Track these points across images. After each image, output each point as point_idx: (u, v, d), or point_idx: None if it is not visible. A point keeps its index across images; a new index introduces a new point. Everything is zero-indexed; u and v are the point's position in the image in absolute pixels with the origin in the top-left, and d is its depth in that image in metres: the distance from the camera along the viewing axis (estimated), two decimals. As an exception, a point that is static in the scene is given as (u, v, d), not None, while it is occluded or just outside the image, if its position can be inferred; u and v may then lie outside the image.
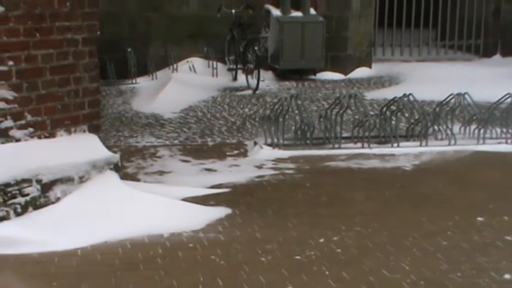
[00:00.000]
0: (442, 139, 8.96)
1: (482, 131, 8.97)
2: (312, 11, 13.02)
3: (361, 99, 10.52)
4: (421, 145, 8.81)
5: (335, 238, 5.99)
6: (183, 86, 11.48)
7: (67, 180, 6.19)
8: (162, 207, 6.42)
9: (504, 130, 9.06)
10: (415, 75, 12.89)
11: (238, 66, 12.30)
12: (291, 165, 8.14)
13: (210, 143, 9.13)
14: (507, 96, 9.23)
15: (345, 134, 8.90)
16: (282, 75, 12.77)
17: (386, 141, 8.85)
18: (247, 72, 11.99)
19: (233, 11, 12.39)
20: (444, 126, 9.03)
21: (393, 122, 9.00)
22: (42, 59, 6.17)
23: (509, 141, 8.96)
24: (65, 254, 5.62)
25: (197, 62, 12.57)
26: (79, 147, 6.37)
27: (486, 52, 14.99)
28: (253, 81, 11.79)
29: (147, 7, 12.61)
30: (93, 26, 6.50)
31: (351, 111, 9.17)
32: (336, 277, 5.22)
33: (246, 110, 10.70)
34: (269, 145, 8.71)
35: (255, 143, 8.83)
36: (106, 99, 10.76)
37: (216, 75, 12.40)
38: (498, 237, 6.05)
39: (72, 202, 6.14)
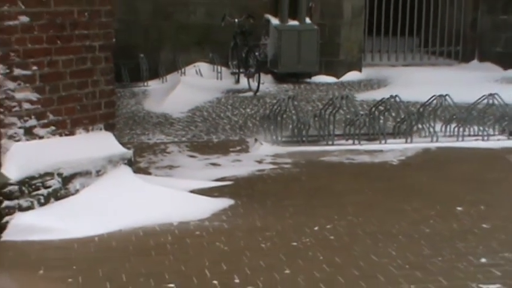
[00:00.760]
0: (425, 136, 8.96)
1: (461, 129, 8.97)
2: (307, 20, 13.02)
3: (352, 100, 10.53)
4: (406, 142, 8.81)
5: (328, 226, 5.99)
6: (191, 88, 11.48)
7: (85, 173, 6.20)
8: (172, 198, 6.43)
9: (481, 128, 9.05)
10: (401, 79, 12.89)
11: (241, 70, 12.30)
12: (289, 160, 8.14)
13: (215, 140, 9.13)
14: (483, 97, 9.24)
15: (337, 132, 8.90)
16: (280, 78, 12.76)
17: (375, 138, 8.85)
18: (249, 75, 11.99)
19: (236, 20, 12.38)
20: (427, 125, 9.04)
21: (381, 121, 9.00)
22: (63, 64, 6.16)
23: (485, 138, 8.96)
24: (83, 241, 5.64)
25: (203, 66, 12.57)
26: (96, 144, 6.37)
27: (464, 58, 14.99)
28: (254, 84, 11.79)
29: (158, 17, 12.61)
30: (109, 34, 6.49)
31: (343, 111, 9.18)
32: (329, 262, 5.22)
33: (248, 110, 10.70)
34: (268, 142, 8.71)
35: (256, 140, 8.83)
36: (120, 100, 10.76)
37: (221, 79, 12.39)
38: (475, 225, 6.06)
39: (90, 194, 6.15)
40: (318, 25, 12.98)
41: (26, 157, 5.85)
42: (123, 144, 6.76)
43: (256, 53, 11.98)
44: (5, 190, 5.71)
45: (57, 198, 6.01)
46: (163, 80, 12.29)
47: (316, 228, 5.94)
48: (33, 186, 5.85)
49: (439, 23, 14.91)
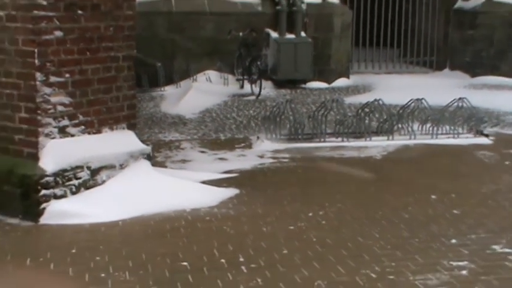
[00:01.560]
0: (404, 134, 8.94)
1: (435, 128, 8.96)
2: (303, 34, 13.00)
3: (341, 103, 10.55)
4: (388, 139, 8.80)
5: (321, 212, 6.01)
6: (201, 93, 11.47)
7: (110, 166, 6.21)
8: (185, 188, 6.43)
9: (452, 127, 9.05)
10: (383, 84, 12.88)
11: (245, 77, 12.27)
12: (286, 155, 8.13)
13: (222, 138, 9.12)
14: (454, 101, 9.25)
15: (328, 131, 8.88)
16: (279, 84, 12.75)
17: (361, 136, 8.84)
18: (252, 81, 11.97)
19: (240, 33, 12.36)
20: (406, 125, 9.02)
21: (366, 121, 8.99)
22: (91, 72, 6.16)
23: (455, 136, 8.96)
24: (109, 225, 5.66)
25: (212, 74, 12.54)
26: (119, 141, 6.37)
27: (438, 67, 14.98)
28: (256, 89, 11.77)
29: (173, 31, 12.59)
30: (131, 46, 6.49)
31: (334, 112, 9.17)
32: (321, 243, 5.24)
33: (251, 111, 10.70)
34: (269, 139, 8.70)
35: (258, 138, 8.82)
36: (140, 103, 10.76)
37: (227, 84, 12.38)
38: (447, 211, 6.08)
39: (114, 184, 6.16)
40: (312, 38, 12.97)
41: (60, 152, 5.87)
42: (143, 141, 6.76)
43: (258, 62, 11.96)
44: (42, 181, 5.73)
45: (87, 188, 6.03)
46: (178, 85, 12.28)
47: (310, 214, 5.96)
48: (66, 178, 5.88)
49: (416, 37, 14.93)
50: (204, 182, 6.75)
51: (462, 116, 9.24)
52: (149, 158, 6.58)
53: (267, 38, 12.93)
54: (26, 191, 5.75)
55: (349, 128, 8.87)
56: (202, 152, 8.32)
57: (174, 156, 8.05)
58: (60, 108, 5.93)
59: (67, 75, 5.96)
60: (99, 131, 6.28)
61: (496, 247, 5.17)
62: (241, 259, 4.91)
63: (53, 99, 5.87)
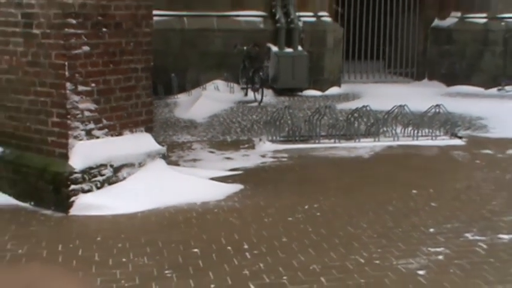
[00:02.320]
0: (389, 137, 8.95)
1: (416, 131, 8.97)
2: (299, 48, 13.01)
3: (334, 109, 10.55)
4: (374, 141, 8.80)
5: (316, 205, 6.00)
6: (210, 100, 11.48)
7: (130, 165, 6.22)
8: (196, 184, 6.44)
9: (430, 130, 9.05)
10: (370, 93, 12.89)
11: (248, 86, 12.28)
12: (285, 155, 8.14)
13: (229, 139, 9.12)
14: (432, 107, 9.25)
15: (322, 133, 8.89)
16: (279, 92, 12.76)
17: (351, 138, 8.84)
18: (255, 90, 11.98)
19: (245, 48, 12.38)
20: (390, 128, 9.04)
21: (356, 125, 9.00)
22: (114, 82, 6.18)
23: (434, 138, 8.96)
24: (129, 216, 5.67)
25: (220, 83, 12.56)
26: (138, 142, 6.38)
27: (418, 77, 15.00)
28: (258, 96, 11.78)
29: (185, 46, 12.61)
30: (149, 59, 6.50)
31: (327, 117, 9.18)
32: (316, 232, 5.25)
33: (254, 116, 10.71)
34: (270, 141, 8.72)
35: (260, 139, 8.83)
36: (157, 109, 10.77)
37: (233, 93, 12.40)
38: (426, 204, 6.08)
39: (134, 180, 6.17)
40: (308, 52, 12.98)
41: (87, 152, 5.89)
42: (159, 143, 6.76)
43: (261, 73, 11.98)
44: (71, 177, 5.76)
45: (110, 184, 6.04)
46: (189, 93, 12.29)
47: (306, 206, 5.96)
48: (92, 174, 5.90)
49: (399, 51, 14.95)
50: (212, 179, 6.75)
51: (439, 120, 9.24)
52: (164, 157, 6.59)
53: (268, 52, 12.94)
54: (58, 186, 5.78)
55: (341, 130, 8.87)
56: (211, 152, 8.34)
57: (186, 156, 8.06)
58: (87, 113, 5.95)
59: (93, 84, 5.98)
60: (120, 134, 6.29)
61: (468, 235, 5.18)
62: (246, 246, 4.91)
63: (81, 106, 5.89)
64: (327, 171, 7.43)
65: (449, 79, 14.21)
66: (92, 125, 6.01)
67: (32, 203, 5.92)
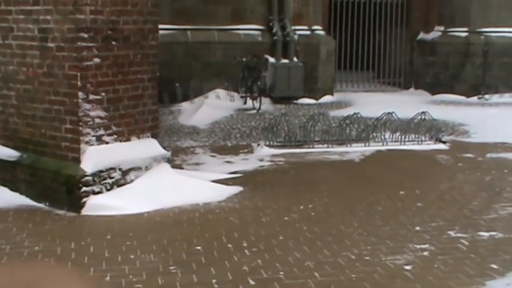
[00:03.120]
0: (378, 142, 8.95)
1: (403, 136, 8.98)
2: (295, 59, 13.02)
3: (327, 116, 10.57)
4: (365, 145, 8.81)
5: (310, 206, 6.01)
6: (212, 107, 11.47)
7: (138, 168, 6.22)
8: (198, 186, 6.43)
9: (416, 136, 9.06)
10: (361, 101, 12.88)
11: (247, 94, 12.27)
12: (282, 159, 8.14)
13: (229, 144, 9.12)
14: (418, 114, 9.26)
15: (316, 138, 8.90)
16: (276, 100, 12.74)
17: (343, 143, 8.86)
18: (253, 98, 11.97)
19: (244, 59, 12.37)
20: (379, 133, 9.05)
21: (347, 131, 9.01)
22: (122, 91, 6.18)
23: (419, 143, 8.97)
24: (136, 216, 5.67)
25: (221, 92, 12.55)
26: (145, 147, 6.38)
27: (405, 86, 14.99)
28: (257, 104, 11.77)
29: (188, 57, 12.61)
30: (155, 69, 6.50)
31: (320, 123, 9.20)
32: (310, 231, 5.25)
33: (252, 123, 10.71)
34: (267, 146, 8.72)
35: (258, 144, 8.84)
36: (162, 116, 10.77)
37: (233, 101, 12.39)
38: (413, 204, 6.10)
39: (141, 182, 6.16)
40: (303, 63, 12.97)
41: (97, 157, 5.89)
42: (164, 148, 6.75)
43: (259, 82, 11.97)
44: (83, 180, 5.77)
45: (118, 186, 6.04)
46: (192, 102, 12.28)
47: (301, 207, 5.96)
48: (102, 177, 5.89)
49: (388, 62, 14.96)
50: (214, 181, 6.75)
51: (425, 126, 9.25)
52: (169, 161, 6.58)
53: (265, 63, 12.94)
54: (70, 188, 5.78)
55: (333, 136, 8.88)
56: (213, 156, 8.33)
57: (189, 160, 8.06)
58: (97, 120, 5.96)
59: (103, 93, 5.99)
60: (128, 139, 6.30)
61: (451, 232, 5.20)
62: (245, 244, 4.92)
63: (92, 114, 5.90)
64: (320, 174, 7.42)
65: (434, 88, 14.23)
66: (102, 131, 6.01)
67: (47, 204, 5.93)
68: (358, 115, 9.16)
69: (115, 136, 6.15)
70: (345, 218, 5.62)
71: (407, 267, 4.45)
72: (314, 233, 5.21)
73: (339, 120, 9.64)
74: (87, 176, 5.77)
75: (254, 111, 11.71)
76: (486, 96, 13.60)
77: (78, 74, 5.76)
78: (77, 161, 5.84)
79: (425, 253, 4.73)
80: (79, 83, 5.77)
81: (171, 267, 4.44)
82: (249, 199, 6.25)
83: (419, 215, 5.72)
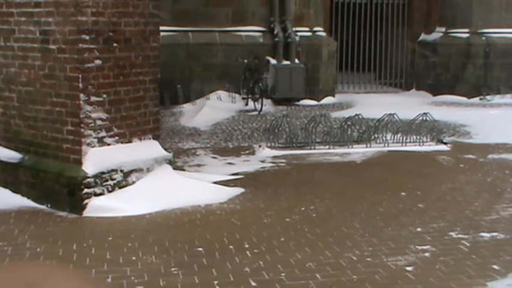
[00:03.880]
0: (379, 143, 8.95)
1: (404, 137, 8.99)
2: (296, 61, 13.03)
3: (328, 117, 10.56)
4: (366, 147, 8.80)
5: (312, 207, 6.01)
6: (213, 109, 11.49)
7: (139, 170, 6.21)
8: (200, 187, 6.42)
9: (418, 137, 9.06)
10: (362, 102, 12.90)
11: (249, 96, 12.29)
12: (283, 160, 8.14)
13: (231, 146, 9.11)
14: (419, 115, 9.26)
15: (318, 140, 8.90)
16: (277, 101, 12.77)
17: (344, 144, 8.86)
18: (255, 100, 11.99)
19: (245, 60, 12.40)
20: (381, 135, 9.05)
21: (349, 132, 9.02)
22: (123, 93, 6.18)
23: (421, 144, 8.97)
24: (138, 217, 5.67)
25: (222, 93, 12.57)
26: (146, 149, 6.38)
27: (406, 87, 15.02)
28: (258, 106, 11.78)
29: (190, 59, 12.64)
30: (156, 71, 6.50)
31: (322, 125, 9.20)
32: (312, 232, 5.25)
33: (254, 124, 10.72)
34: (269, 147, 8.72)
35: (260, 146, 8.84)
36: (163, 118, 10.78)
37: (234, 102, 12.40)
38: (414, 205, 6.09)
39: (142, 184, 6.16)
40: (304, 64, 13.00)
41: (99, 158, 5.89)
42: (166, 149, 6.75)
43: (260, 84, 11.99)
44: (85, 181, 5.77)
45: (120, 187, 6.03)
46: (194, 103, 12.30)
47: (302, 208, 5.96)
48: (104, 179, 5.89)
49: (389, 63, 14.98)
50: (215, 183, 6.74)
51: (426, 127, 9.25)
52: (170, 162, 6.58)
53: (267, 64, 12.97)
54: (72, 190, 5.78)
55: (335, 137, 8.88)
56: (214, 157, 8.33)
57: (191, 161, 8.06)
58: (99, 122, 5.96)
59: (104, 95, 5.99)
60: (130, 141, 6.30)
61: (452, 234, 5.20)
62: (246, 245, 4.92)
63: (93, 115, 5.90)
64: (322, 175, 7.42)
65: (435, 89, 14.24)
66: (103, 133, 6.01)
67: (49, 205, 5.93)
68: (360, 116, 9.16)
69: (116, 138, 6.15)
70: (347, 219, 5.61)
71: (409, 268, 4.45)
72: (315, 234, 5.20)
73: (340, 122, 9.64)
74: (88, 177, 5.78)
75: (255, 112, 11.73)
76: (487, 97, 13.60)
77: (80, 75, 5.77)
78: (79, 162, 5.85)
79: (427, 254, 4.73)
80: (80, 84, 5.77)
81: (173, 269, 4.45)
82: (250, 200, 6.24)
83: (421, 216, 5.71)
